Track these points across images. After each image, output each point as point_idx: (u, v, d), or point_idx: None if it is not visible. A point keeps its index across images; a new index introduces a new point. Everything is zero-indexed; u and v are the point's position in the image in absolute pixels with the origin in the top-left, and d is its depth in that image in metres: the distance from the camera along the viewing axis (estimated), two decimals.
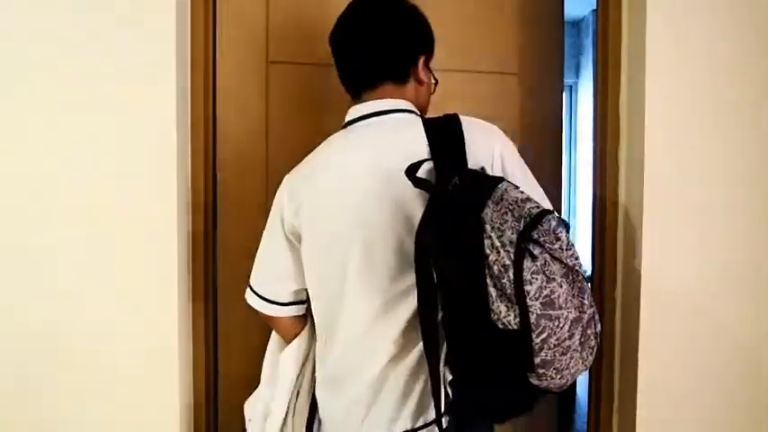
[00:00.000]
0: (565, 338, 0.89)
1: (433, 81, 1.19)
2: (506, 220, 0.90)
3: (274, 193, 1.16)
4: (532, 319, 0.87)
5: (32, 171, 1.32)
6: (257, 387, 1.27)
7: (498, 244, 0.89)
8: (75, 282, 1.33)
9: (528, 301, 0.87)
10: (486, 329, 0.91)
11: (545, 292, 0.87)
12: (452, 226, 0.93)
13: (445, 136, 1.03)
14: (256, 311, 1.22)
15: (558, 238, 0.88)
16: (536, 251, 0.88)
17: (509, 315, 0.88)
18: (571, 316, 0.88)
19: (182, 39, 1.37)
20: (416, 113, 1.11)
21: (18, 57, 1.31)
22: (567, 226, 0.91)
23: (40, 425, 1.34)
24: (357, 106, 1.12)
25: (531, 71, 1.58)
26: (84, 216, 1.33)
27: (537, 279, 0.87)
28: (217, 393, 1.51)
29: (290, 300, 1.19)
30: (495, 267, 0.88)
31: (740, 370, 1.38)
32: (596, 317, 0.93)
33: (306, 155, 1.14)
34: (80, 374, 1.34)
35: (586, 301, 0.91)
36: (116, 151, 1.32)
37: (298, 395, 1.21)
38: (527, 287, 0.87)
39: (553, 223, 0.89)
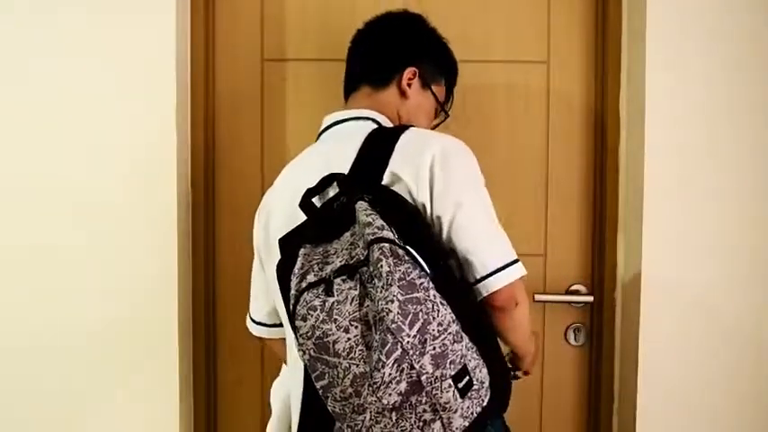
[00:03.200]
0: (351, 394, 0.74)
1: (433, 105, 1.12)
2: (357, 246, 0.80)
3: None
4: (306, 358, 0.77)
5: (32, 171, 1.32)
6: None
7: (299, 272, 0.80)
8: (75, 282, 1.33)
9: (299, 338, 0.77)
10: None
11: (318, 333, 0.75)
12: (288, 250, 0.86)
13: (376, 146, 0.93)
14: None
15: (379, 275, 0.74)
16: (343, 286, 0.77)
17: (299, 350, 0.79)
18: (356, 369, 0.74)
19: (182, 38, 1.37)
20: (376, 121, 1.02)
21: (18, 56, 1.31)
22: (414, 261, 0.77)
23: (40, 425, 1.34)
24: (327, 116, 1.07)
25: (561, 59, 1.50)
26: (83, 216, 1.33)
27: (311, 316, 0.76)
28: (217, 394, 1.51)
29: (272, 321, 1.12)
30: (290, 294, 0.80)
31: (742, 370, 1.38)
32: (435, 386, 0.74)
33: (301, 153, 1.11)
34: (80, 374, 1.34)
35: (385, 359, 0.71)
36: (116, 151, 1.33)
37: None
38: (298, 322, 0.77)
39: (376, 255, 0.75)
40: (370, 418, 0.75)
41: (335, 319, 0.75)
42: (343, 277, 0.77)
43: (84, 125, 1.32)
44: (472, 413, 0.79)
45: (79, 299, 1.33)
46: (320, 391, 0.77)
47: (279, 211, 1.01)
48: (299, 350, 0.79)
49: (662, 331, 1.36)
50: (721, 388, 1.38)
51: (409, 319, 0.72)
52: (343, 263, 0.79)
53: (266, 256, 1.05)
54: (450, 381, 0.75)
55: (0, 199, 1.33)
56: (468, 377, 0.77)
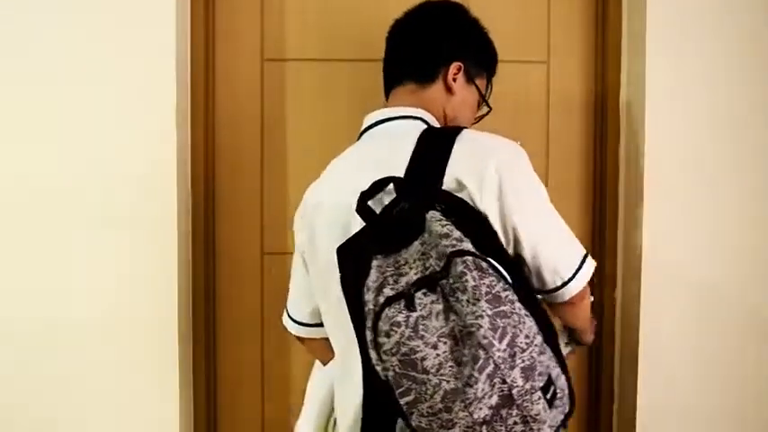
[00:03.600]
0: (440, 410, 0.73)
1: (476, 99, 1.09)
2: (430, 256, 0.78)
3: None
4: (390, 375, 0.75)
5: (32, 171, 1.32)
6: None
7: (374, 285, 0.78)
8: (75, 281, 1.33)
9: (382, 354, 0.75)
10: (375, 375, 0.79)
11: (404, 350, 0.73)
12: (355, 260, 0.83)
13: (432, 149, 0.90)
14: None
15: (464, 289, 0.73)
16: (425, 300, 0.76)
17: (378, 365, 0.77)
18: (447, 386, 0.72)
19: (182, 38, 1.37)
20: (425, 120, 0.99)
21: (18, 57, 1.31)
22: (498, 274, 0.76)
23: (40, 425, 1.34)
24: (371, 114, 1.03)
25: (561, 59, 1.49)
26: (83, 216, 1.33)
27: (396, 332, 0.74)
28: (216, 394, 1.51)
29: (313, 321, 1.08)
30: (366, 309, 0.78)
31: (742, 369, 1.38)
32: (526, 398, 0.74)
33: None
34: (80, 374, 1.34)
35: (477, 374, 0.71)
36: (116, 151, 1.33)
37: (335, 425, 1.07)
38: (381, 338, 0.75)
39: (459, 268, 0.74)
40: None
41: (422, 336, 0.73)
42: (424, 291, 0.76)
43: (84, 125, 1.32)
44: (557, 422, 0.79)
45: (79, 298, 1.33)
46: (404, 407, 0.75)
47: (326, 212, 0.98)
48: (378, 366, 0.77)
49: (662, 331, 1.36)
50: (721, 388, 1.38)
51: (499, 333, 0.72)
52: (418, 275, 0.78)
53: (310, 257, 1.01)
54: (539, 393, 0.75)
55: (0, 199, 1.33)
56: (553, 387, 0.77)
